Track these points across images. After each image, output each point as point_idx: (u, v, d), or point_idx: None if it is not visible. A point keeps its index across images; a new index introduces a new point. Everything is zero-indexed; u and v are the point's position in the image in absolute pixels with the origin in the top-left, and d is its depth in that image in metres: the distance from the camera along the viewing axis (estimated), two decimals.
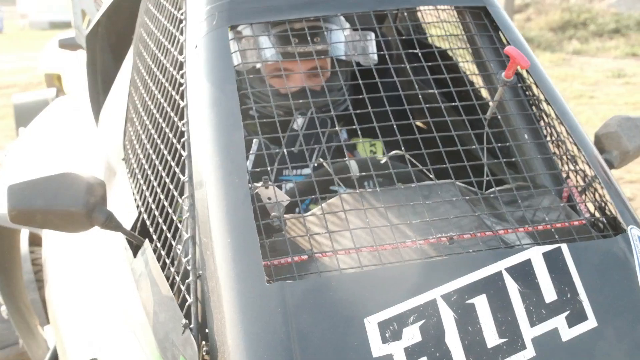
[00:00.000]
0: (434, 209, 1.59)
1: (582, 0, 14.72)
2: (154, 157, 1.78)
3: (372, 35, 2.31)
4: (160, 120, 1.78)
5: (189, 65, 1.71)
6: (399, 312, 1.35)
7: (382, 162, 1.87)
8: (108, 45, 2.77)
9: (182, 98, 1.69)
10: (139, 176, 1.86)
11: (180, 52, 1.77)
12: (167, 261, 1.56)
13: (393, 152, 1.82)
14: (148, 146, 1.84)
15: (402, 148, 1.73)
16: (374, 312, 1.34)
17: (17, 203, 1.61)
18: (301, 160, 2.10)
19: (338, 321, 1.33)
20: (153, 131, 1.82)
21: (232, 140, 1.53)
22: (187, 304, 1.42)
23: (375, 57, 2.14)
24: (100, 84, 2.73)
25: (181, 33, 1.79)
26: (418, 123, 2.45)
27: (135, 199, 1.83)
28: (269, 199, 1.51)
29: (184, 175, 1.59)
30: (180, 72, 1.73)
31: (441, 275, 1.40)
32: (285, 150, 1.64)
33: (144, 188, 1.79)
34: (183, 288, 1.46)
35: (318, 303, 1.34)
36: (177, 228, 1.60)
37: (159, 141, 1.77)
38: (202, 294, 1.43)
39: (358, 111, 1.66)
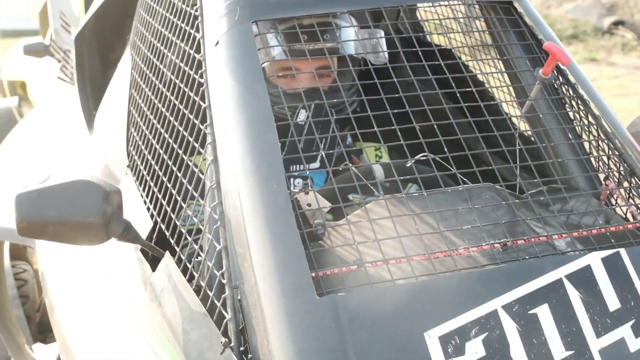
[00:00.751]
0: (478, 214, 1.50)
1: (540, 6, 14.85)
2: (169, 162, 1.66)
3: (382, 32, 2.22)
4: (176, 124, 1.66)
5: (209, 63, 1.59)
6: (459, 324, 1.26)
7: (408, 165, 1.77)
8: (96, 48, 2.63)
9: (202, 99, 1.58)
10: (152, 183, 1.74)
11: (197, 51, 1.66)
12: (196, 274, 1.44)
13: (420, 155, 1.73)
14: (161, 151, 1.72)
15: (427, 150, 1.63)
16: (434, 326, 1.25)
17: (26, 214, 1.48)
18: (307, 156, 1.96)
19: (397, 336, 1.23)
20: (166, 135, 1.70)
21: (266, 143, 1.42)
22: (224, 320, 1.31)
23: (386, 55, 2.05)
24: (89, 88, 2.59)
25: (197, 30, 1.68)
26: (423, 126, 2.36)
27: (149, 208, 1.70)
28: (309, 205, 1.40)
29: (210, 181, 1.47)
30: (199, 72, 1.61)
31: (500, 284, 1.31)
32: (296, 142, 1.55)
33: (159, 196, 1.67)
34: (218, 303, 1.34)
35: (374, 317, 1.24)
36: (198, 238, 1.48)
37: (175, 145, 1.65)
38: (241, 309, 1.32)
39: (372, 113, 1.54)
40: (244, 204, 1.38)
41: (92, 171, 2.22)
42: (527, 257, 1.36)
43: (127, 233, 1.52)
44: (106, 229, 1.50)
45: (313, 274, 1.29)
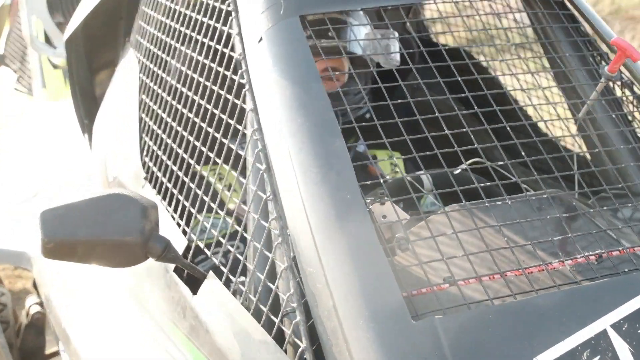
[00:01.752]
0: (554, 224, 1.37)
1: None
2: (204, 173, 1.50)
3: (396, 33, 2.10)
4: (210, 130, 1.50)
5: (251, 63, 1.44)
6: (569, 348, 1.12)
7: (456, 172, 1.64)
8: (84, 54, 2.45)
9: (244, 101, 1.42)
10: (180, 197, 1.57)
11: (233, 49, 1.50)
12: (253, 298, 1.28)
13: (471, 161, 1.60)
14: (191, 161, 1.55)
15: (483, 156, 1.50)
16: (543, 350, 1.11)
17: (54, 233, 1.31)
18: None
19: None
20: (197, 143, 1.54)
21: (333, 148, 1.27)
22: (299, 350, 1.16)
23: (398, 57, 1.92)
24: (78, 96, 2.40)
25: (231, 27, 1.52)
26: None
27: (180, 225, 1.54)
28: (384, 217, 1.26)
29: (265, 193, 1.32)
30: (239, 72, 1.45)
31: (605, 301, 1.18)
32: None
33: (193, 211, 1.50)
34: (288, 330, 1.19)
35: (478, 342, 1.10)
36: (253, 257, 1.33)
37: (211, 154, 1.49)
38: (317, 336, 1.16)
39: (382, 122, 1.39)
40: (311, 217, 1.22)
41: (95, 185, 2.04)
42: (626, 270, 1.24)
43: (167, 252, 1.36)
44: (145, 248, 1.34)
45: (403, 294, 1.14)
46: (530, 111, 2.32)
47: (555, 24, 1.70)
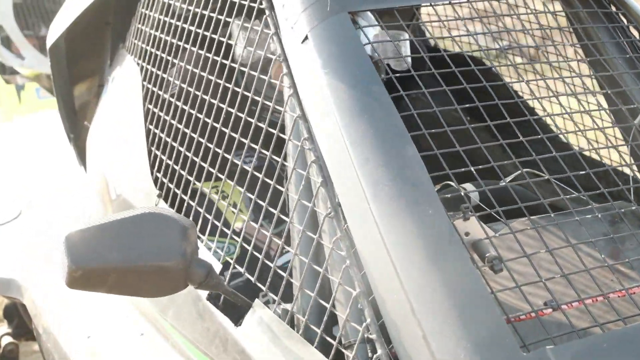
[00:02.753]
0: (623, 240, 1.26)
1: None
2: (240, 189, 1.34)
3: (406, 35, 1.97)
4: (246, 141, 1.34)
5: (295, 64, 1.29)
6: None
7: (503, 184, 1.51)
8: (65, 61, 2.26)
9: (291, 108, 1.28)
10: (208, 215, 1.41)
11: (270, 50, 1.35)
12: (317, 329, 1.13)
13: (517, 173, 1.47)
14: (220, 174, 1.39)
15: (542, 169, 1.35)
16: None
17: (82, 259, 1.14)
18: None
19: None
20: (228, 155, 1.39)
21: (405, 158, 1.13)
22: None
23: (409, 60, 1.79)
24: (62, 107, 2.21)
25: (266, 26, 1.37)
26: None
27: (209, 246, 1.37)
28: (467, 234, 1.12)
29: (322, 209, 1.17)
30: (281, 75, 1.31)
31: None
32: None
33: (227, 231, 1.34)
34: None
35: None
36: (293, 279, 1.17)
37: (247, 167, 1.34)
38: None
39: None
40: (387, 236, 1.08)
41: (93, 205, 1.86)
42: None
43: (210, 279, 1.20)
44: (186, 274, 1.17)
45: (507, 320, 1.00)
46: (550, 120, 2.20)
47: (598, 24, 1.59)
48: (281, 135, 1.29)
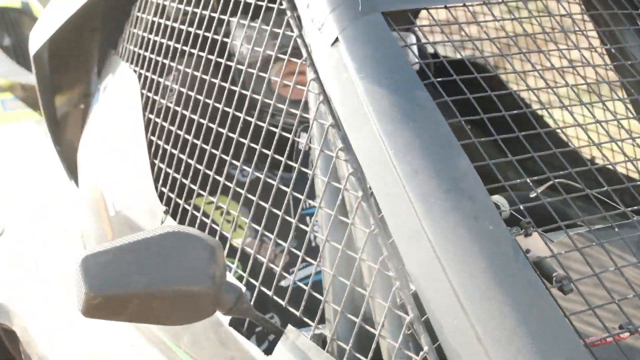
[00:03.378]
0: None
1: None
2: (263, 203, 1.24)
3: (413, 37, 1.89)
4: (269, 153, 1.24)
5: (325, 69, 1.19)
6: None
7: (532, 195, 1.42)
8: (49, 72, 2.13)
9: (319, 115, 1.18)
10: (225, 233, 1.30)
11: (295, 54, 1.25)
12: (362, 358, 1.03)
13: (549, 183, 1.39)
14: (239, 189, 1.29)
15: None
16: None
17: (101, 285, 1.03)
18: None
19: None
20: (248, 167, 1.28)
21: (458, 169, 1.03)
22: None
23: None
24: (48, 118, 2.08)
25: (289, 28, 1.27)
26: None
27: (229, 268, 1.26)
28: (528, 251, 1.03)
29: (365, 225, 1.07)
30: (309, 80, 1.21)
31: None
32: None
33: (250, 252, 1.24)
34: None
35: None
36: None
37: (271, 181, 1.23)
38: None
39: None
40: (443, 255, 0.98)
41: (86, 221, 1.73)
42: None
43: (240, 304, 1.09)
44: (215, 299, 1.07)
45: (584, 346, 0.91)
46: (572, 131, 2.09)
47: (620, 26, 1.52)
48: (311, 145, 1.19)
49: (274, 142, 1.24)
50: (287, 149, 1.25)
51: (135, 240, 1.06)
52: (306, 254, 1.16)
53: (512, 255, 0.96)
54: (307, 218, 1.65)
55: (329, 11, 1.22)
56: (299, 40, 1.26)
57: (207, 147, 1.38)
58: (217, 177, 1.34)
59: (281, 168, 1.20)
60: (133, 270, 1.04)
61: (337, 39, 1.19)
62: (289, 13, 1.29)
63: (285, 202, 1.21)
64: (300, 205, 1.18)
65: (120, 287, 1.03)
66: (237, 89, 1.36)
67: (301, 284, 1.17)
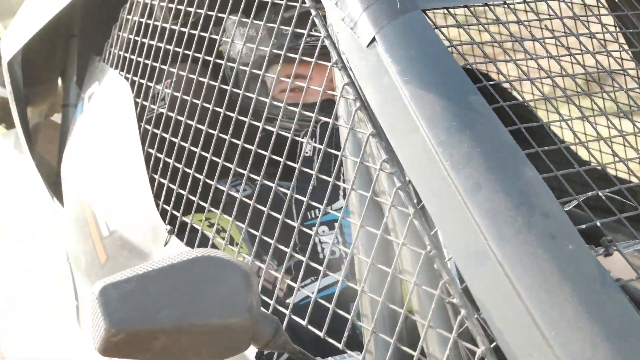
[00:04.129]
0: None
1: None
2: (277, 215, 1.12)
3: None
4: (282, 159, 1.12)
5: (361, 72, 1.08)
6: None
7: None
8: (21, 81, 1.98)
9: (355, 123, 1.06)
10: (246, 255, 1.17)
11: (324, 57, 1.14)
12: None
13: (592, 193, 1.29)
14: (261, 207, 1.16)
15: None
16: None
17: (124, 320, 0.90)
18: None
19: None
20: (272, 184, 1.16)
21: (528, 181, 0.92)
22: None
23: None
24: (23, 131, 1.93)
25: (314, 28, 1.16)
26: None
27: None
28: (608, 272, 0.92)
29: (418, 245, 0.96)
30: (342, 85, 1.09)
31: None
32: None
33: (275, 272, 1.11)
34: None
35: None
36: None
37: (302, 197, 1.11)
38: None
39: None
40: (517, 280, 0.87)
41: (74, 242, 1.58)
42: None
43: (277, 337, 0.97)
44: (252, 332, 0.94)
45: None
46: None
47: None
48: (349, 157, 1.07)
49: (285, 149, 1.14)
50: (299, 157, 1.14)
51: (160, 267, 0.92)
52: (311, 267, 1.07)
53: (598, 278, 0.85)
54: (314, 228, 1.54)
55: (363, 9, 1.10)
56: (327, 42, 1.14)
57: (208, 156, 1.26)
58: (221, 187, 1.23)
59: (294, 178, 1.10)
60: (160, 302, 0.90)
61: (373, 39, 1.08)
62: (313, 12, 1.17)
63: (301, 213, 1.10)
64: (302, 215, 1.10)
65: (146, 321, 0.89)
66: (240, 91, 1.24)
67: (323, 302, 1.05)
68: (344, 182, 1.54)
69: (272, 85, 1.19)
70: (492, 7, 1.15)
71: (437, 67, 1.03)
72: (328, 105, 1.46)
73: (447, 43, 1.07)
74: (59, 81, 2.10)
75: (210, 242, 1.27)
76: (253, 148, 1.18)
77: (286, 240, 1.13)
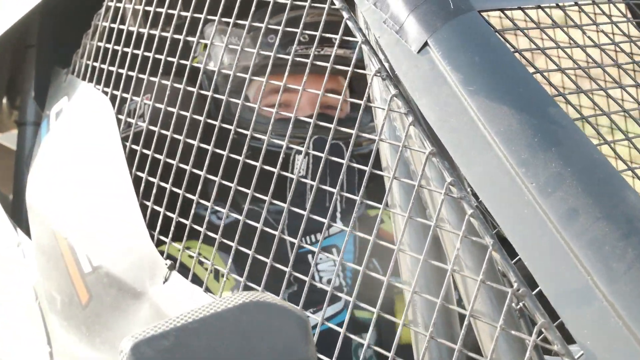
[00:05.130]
0: None
1: None
2: (291, 240, 0.96)
3: None
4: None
5: (412, 82, 0.94)
6: None
7: None
8: None
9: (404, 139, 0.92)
10: (255, 286, 1.01)
11: (362, 64, 1.00)
12: None
13: None
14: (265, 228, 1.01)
15: None
16: None
17: None
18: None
19: None
20: (276, 202, 1.01)
21: (631, 206, 0.79)
22: None
23: None
24: None
25: (349, 34, 1.01)
26: None
27: None
28: None
29: (501, 283, 0.82)
30: (388, 96, 0.95)
31: None
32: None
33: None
34: None
35: None
36: None
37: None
38: None
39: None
40: (632, 322, 0.74)
41: (44, 283, 1.38)
42: None
43: None
44: None
45: None
46: None
47: None
48: (405, 180, 0.93)
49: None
50: (293, 179, 1.02)
51: (201, 317, 0.76)
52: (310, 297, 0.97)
53: None
54: (309, 256, 1.39)
55: (410, 10, 0.96)
56: (365, 48, 0.99)
57: (202, 173, 1.11)
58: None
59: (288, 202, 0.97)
60: (207, 359, 0.74)
61: (425, 44, 0.94)
62: (345, 14, 1.02)
63: (295, 247, 0.96)
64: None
65: None
66: (239, 101, 1.10)
67: (334, 326, 0.92)
68: (341, 202, 1.42)
69: (259, 98, 1.08)
70: (546, 9, 1.03)
71: (507, 75, 0.90)
72: (322, 120, 1.33)
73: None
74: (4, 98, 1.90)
75: (191, 273, 1.13)
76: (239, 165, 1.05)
77: (278, 271, 1.00)
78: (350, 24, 1.02)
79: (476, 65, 0.91)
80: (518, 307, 0.82)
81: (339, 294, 1.53)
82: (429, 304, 0.93)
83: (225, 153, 1.09)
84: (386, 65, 0.98)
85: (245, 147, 1.07)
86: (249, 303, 0.78)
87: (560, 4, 1.06)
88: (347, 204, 1.40)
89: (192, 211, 1.12)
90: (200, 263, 1.28)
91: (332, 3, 1.04)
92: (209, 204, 1.10)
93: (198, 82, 1.20)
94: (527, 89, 0.89)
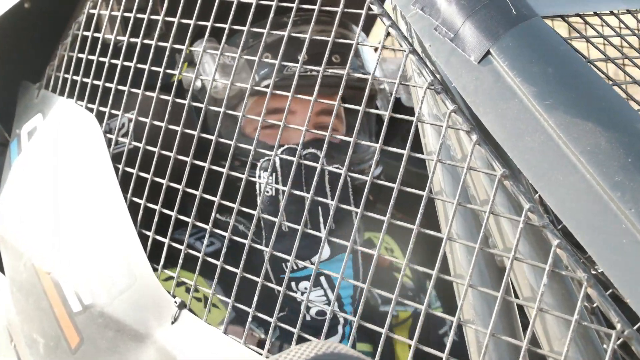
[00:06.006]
0: None
1: None
2: (305, 265, 0.85)
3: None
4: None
5: (473, 95, 0.83)
6: None
7: None
8: None
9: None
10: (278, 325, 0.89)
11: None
12: None
13: None
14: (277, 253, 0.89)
15: None
16: None
17: None
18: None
19: None
20: (288, 223, 0.89)
21: None
22: None
23: None
24: None
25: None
26: None
27: None
28: None
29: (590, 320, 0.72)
30: (443, 112, 0.85)
31: None
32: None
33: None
34: None
35: None
36: None
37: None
38: None
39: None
40: None
41: (23, 325, 1.23)
42: None
43: None
44: None
45: None
46: None
47: None
48: (476, 207, 0.82)
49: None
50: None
51: None
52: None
53: None
54: (292, 284, 1.28)
55: (466, 16, 0.86)
56: (413, 58, 0.89)
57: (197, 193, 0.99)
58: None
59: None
60: None
61: (487, 53, 0.84)
62: (386, 22, 0.92)
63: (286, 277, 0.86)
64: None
65: None
66: (240, 111, 0.99)
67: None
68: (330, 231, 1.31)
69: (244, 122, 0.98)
70: (603, 16, 0.94)
71: (586, 88, 0.81)
72: (313, 146, 1.23)
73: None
74: None
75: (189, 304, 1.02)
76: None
77: (265, 300, 0.95)
78: (393, 31, 0.91)
79: (551, 77, 0.81)
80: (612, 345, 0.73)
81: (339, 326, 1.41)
82: None
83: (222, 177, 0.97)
84: (437, 77, 0.88)
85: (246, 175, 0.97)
86: (328, 354, 0.66)
87: (615, 11, 0.98)
88: (338, 226, 1.28)
89: (185, 242, 1.02)
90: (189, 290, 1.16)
91: (370, 9, 0.94)
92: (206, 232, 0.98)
93: (188, 100, 1.08)
94: (610, 103, 0.80)
